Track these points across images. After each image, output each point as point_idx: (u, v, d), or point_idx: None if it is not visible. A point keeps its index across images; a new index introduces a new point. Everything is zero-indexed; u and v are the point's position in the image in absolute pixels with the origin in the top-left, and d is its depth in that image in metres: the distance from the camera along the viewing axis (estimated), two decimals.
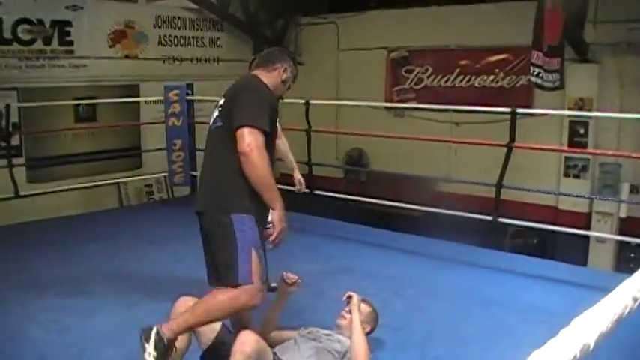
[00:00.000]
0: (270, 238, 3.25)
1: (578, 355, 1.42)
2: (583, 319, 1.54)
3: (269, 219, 3.27)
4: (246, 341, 2.91)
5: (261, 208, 3.22)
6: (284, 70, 3.50)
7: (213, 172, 3.32)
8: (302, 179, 5.12)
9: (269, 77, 3.43)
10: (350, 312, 3.66)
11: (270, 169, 3.18)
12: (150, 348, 2.95)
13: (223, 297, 3.07)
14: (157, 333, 2.97)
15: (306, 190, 4.86)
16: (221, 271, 3.18)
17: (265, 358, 3.05)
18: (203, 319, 3.11)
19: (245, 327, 3.15)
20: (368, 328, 3.66)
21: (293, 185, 5.31)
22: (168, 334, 3.01)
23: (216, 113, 3.37)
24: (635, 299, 1.73)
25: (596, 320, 1.57)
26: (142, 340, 2.97)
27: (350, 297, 3.66)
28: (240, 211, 3.15)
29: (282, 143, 5.00)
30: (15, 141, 8.25)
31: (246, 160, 3.08)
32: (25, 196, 7.41)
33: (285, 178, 5.41)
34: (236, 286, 3.03)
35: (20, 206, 7.46)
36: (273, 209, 3.23)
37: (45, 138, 8.97)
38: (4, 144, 7.79)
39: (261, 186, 3.15)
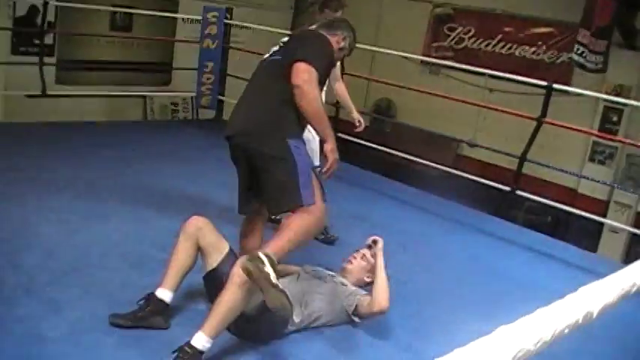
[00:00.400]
0: (324, 169, 3.36)
1: (580, 321, 1.45)
2: (590, 288, 1.55)
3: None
4: None
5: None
6: (343, 39, 3.64)
7: (263, 99, 3.33)
8: (361, 118, 5.05)
9: (330, 40, 3.55)
10: (360, 257, 3.70)
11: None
12: (269, 269, 2.87)
13: (300, 221, 3.12)
14: (266, 256, 2.91)
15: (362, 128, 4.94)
16: (277, 195, 3.21)
17: None
18: (292, 242, 3.09)
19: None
20: (371, 278, 3.68)
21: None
22: (275, 257, 2.96)
23: (275, 48, 3.45)
24: None
25: (602, 291, 1.58)
26: (255, 263, 2.85)
27: (375, 241, 3.63)
28: (295, 137, 3.25)
29: (340, 87, 5.00)
30: (48, 40, 8.23)
31: (301, 92, 3.13)
32: (52, 96, 7.43)
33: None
34: (299, 207, 3.11)
35: (46, 105, 7.51)
36: (325, 141, 3.32)
37: (78, 41, 8.95)
38: (37, 41, 7.77)
39: (315, 117, 3.23)
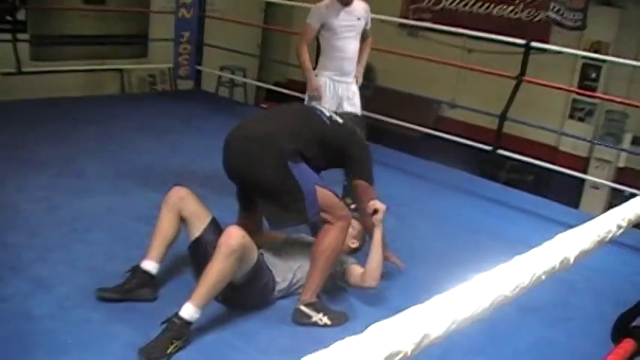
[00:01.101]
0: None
1: (557, 267, 1.45)
2: (567, 236, 1.57)
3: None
4: (233, 235, 2.93)
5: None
6: None
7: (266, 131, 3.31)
8: (359, 77, 5.11)
9: None
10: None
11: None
12: (325, 319, 3.22)
13: (327, 243, 3.22)
14: (310, 304, 3.22)
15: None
16: (281, 215, 3.26)
17: (250, 255, 3.08)
18: (328, 267, 3.27)
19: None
20: (356, 244, 3.70)
21: None
22: (313, 300, 3.24)
23: (325, 111, 3.60)
24: (619, 226, 1.77)
25: (579, 238, 1.59)
26: (309, 313, 3.21)
27: (376, 210, 3.45)
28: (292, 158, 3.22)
29: (365, 48, 5.07)
30: (21, 16, 8.09)
31: None
32: (27, 73, 7.34)
33: None
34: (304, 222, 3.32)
35: (22, 83, 7.40)
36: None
37: (51, 15, 8.79)
38: (9, 18, 7.65)
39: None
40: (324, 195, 3.22)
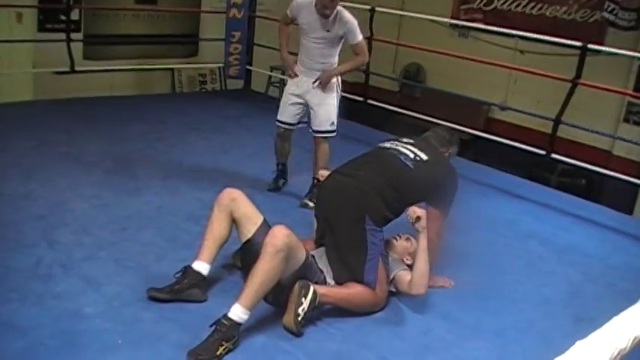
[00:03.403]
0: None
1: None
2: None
3: None
4: (278, 235, 2.93)
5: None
6: (448, 154, 3.89)
7: (364, 189, 3.39)
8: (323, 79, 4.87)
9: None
10: (405, 239, 3.69)
11: None
12: (305, 303, 3.08)
13: (362, 291, 3.29)
14: (314, 293, 3.12)
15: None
16: (340, 268, 3.36)
17: (297, 254, 3.08)
18: (346, 303, 3.29)
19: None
20: (410, 261, 3.63)
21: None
22: (320, 299, 3.16)
23: (408, 153, 3.58)
24: None
25: None
26: (300, 291, 3.09)
27: (418, 218, 3.43)
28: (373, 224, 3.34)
29: (351, 60, 4.91)
30: (74, 15, 8.21)
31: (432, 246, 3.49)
32: (80, 72, 7.44)
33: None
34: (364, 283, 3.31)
35: (74, 81, 7.53)
36: None
37: (104, 15, 8.90)
38: (63, 17, 7.76)
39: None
40: (381, 269, 3.36)
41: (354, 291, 3.28)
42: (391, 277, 3.49)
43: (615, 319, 1.32)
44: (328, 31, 4.65)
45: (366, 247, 3.28)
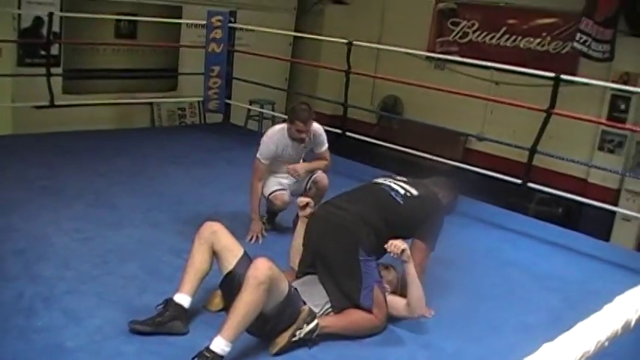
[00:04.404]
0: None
1: (619, 332, 1.43)
2: (628, 296, 1.51)
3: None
4: (260, 267, 2.95)
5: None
6: (443, 197, 3.89)
7: (355, 225, 3.49)
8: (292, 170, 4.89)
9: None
10: (382, 267, 3.73)
11: None
12: (305, 328, 3.18)
13: (361, 316, 3.41)
14: (316, 325, 3.23)
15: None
16: (337, 296, 3.44)
17: (280, 286, 3.09)
18: (345, 331, 3.39)
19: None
20: (389, 290, 3.66)
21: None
22: (319, 330, 3.25)
23: (399, 189, 3.71)
24: None
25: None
26: (306, 317, 3.20)
27: (403, 251, 3.40)
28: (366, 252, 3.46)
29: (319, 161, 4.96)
30: (54, 50, 8.26)
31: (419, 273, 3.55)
32: (60, 106, 7.46)
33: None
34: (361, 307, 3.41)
35: (55, 115, 7.54)
36: None
37: (83, 50, 8.97)
38: (43, 52, 7.80)
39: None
40: (378, 295, 3.44)
41: (352, 319, 3.38)
42: None
43: (582, 322, 1.37)
44: (305, 147, 4.82)
45: (361, 276, 3.38)
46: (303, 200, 3.94)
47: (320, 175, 4.82)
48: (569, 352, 1.24)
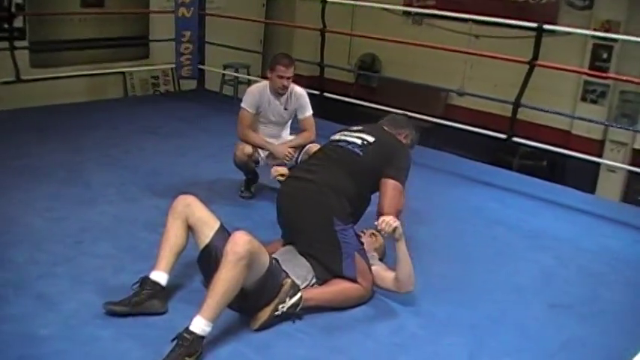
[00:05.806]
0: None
1: None
2: None
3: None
4: (239, 242, 2.80)
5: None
6: (405, 137, 3.89)
7: (326, 190, 3.40)
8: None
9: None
10: (369, 234, 3.69)
11: None
12: (288, 302, 3.09)
13: (348, 287, 3.33)
14: (300, 298, 3.14)
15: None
16: (319, 269, 3.36)
17: (260, 260, 2.96)
18: (331, 303, 3.30)
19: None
20: (376, 258, 3.60)
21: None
22: (303, 304, 3.16)
23: (356, 140, 3.63)
24: None
25: None
26: (288, 290, 3.10)
27: (395, 229, 3.20)
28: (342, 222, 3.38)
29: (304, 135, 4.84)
30: (18, 23, 7.97)
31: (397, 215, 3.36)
32: (27, 81, 7.22)
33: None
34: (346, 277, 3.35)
35: (22, 91, 7.30)
36: None
37: (50, 21, 8.65)
38: (6, 25, 7.52)
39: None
40: (360, 262, 3.35)
41: (337, 290, 3.31)
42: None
43: None
44: (286, 109, 4.74)
45: (340, 247, 3.31)
46: (277, 169, 3.94)
47: (312, 147, 4.67)
48: None
